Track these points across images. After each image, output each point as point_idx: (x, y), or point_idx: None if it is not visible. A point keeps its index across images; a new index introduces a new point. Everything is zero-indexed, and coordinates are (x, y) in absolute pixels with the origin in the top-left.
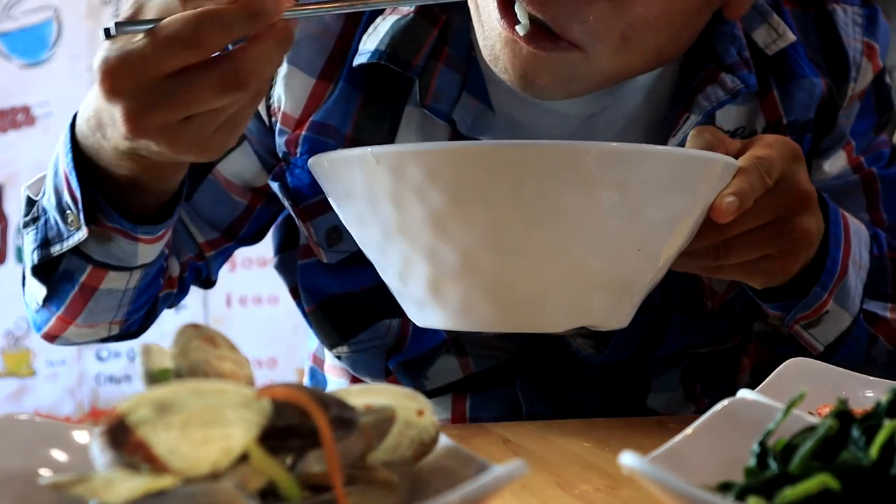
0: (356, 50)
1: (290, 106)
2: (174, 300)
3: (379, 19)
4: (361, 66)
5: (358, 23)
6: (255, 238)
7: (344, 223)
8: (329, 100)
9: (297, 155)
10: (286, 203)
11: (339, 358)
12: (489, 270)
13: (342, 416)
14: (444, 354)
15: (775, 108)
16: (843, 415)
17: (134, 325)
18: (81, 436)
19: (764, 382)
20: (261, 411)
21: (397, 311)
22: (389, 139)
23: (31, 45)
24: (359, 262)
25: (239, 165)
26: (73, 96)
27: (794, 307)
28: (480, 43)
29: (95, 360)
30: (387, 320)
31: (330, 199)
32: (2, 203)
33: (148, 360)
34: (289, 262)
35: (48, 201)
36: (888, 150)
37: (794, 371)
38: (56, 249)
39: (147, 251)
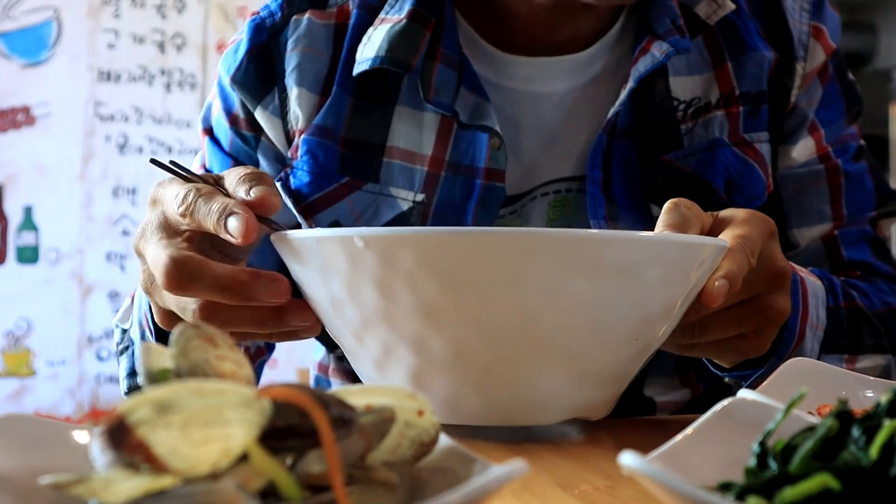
0: (346, 58)
1: (303, 123)
2: (266, 359)
3: (371, 30)
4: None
5: (343, 39)
6: None
7: (310, 302)
8: (325, 106)
9: (298, 157)
10: (289, 202)
11: (341, 359)
12: (481, 363)
13: (342, 416)
14: None
15: (729, 81)
16: (843, 415)
17: None
18: (81, 436)
19: (764, 382)
20: (261, 411)
21: None
22: (383, 137)
23: (31, 45)
24: None
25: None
26: (73, 96)
27: (751, 377)
28: None
29: (95, 360)
30: None
31: (296, 277)
32: (2, 203)
33: (148, 360)
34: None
35: (134, 333)
36: (855, 145)
37: (794, 371)
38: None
39: None
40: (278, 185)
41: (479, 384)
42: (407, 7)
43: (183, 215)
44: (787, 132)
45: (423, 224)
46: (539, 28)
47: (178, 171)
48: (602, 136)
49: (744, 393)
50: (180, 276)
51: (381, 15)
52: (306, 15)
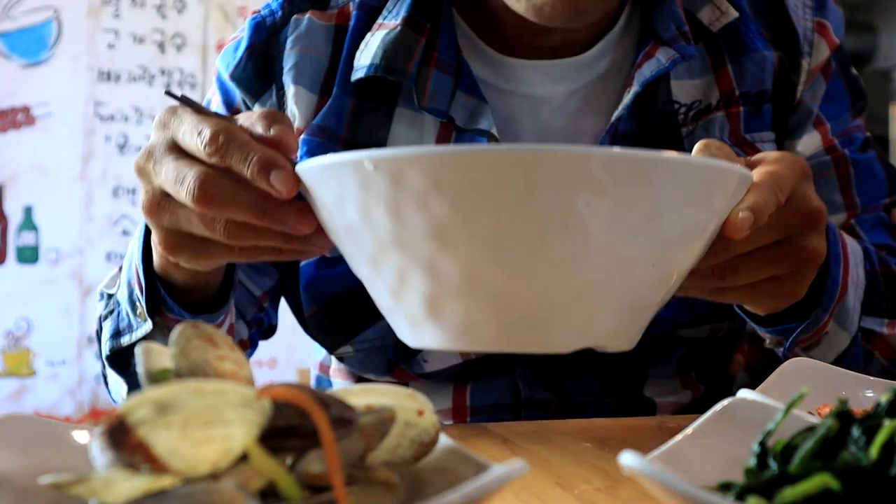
0: (346, 60)
1: (301, 122)
2: (249, 353)
3: (368, 35)
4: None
5: (343, 40)
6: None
7: (329, 234)
8: (325, 106)
9: (298, 158)
10: None
11: (341, 360)
12: (494, 285)
13: (342, 416)
14: None
15: (729, 82)
16: (843, 415)
17: None
18: (81, 436)
19: (764, 382)
20: (261, 411)
21: None
22: (383, 139)
23: (31, 45)
24: None
25: None
26: (72, 96)
27: (795, 331)
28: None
29: (95, 360)
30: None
31: (315, 208)
32: (2, 203)
33: (148, 360)
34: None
35: (121, 295)
36: (861, 136)
37: (794, 371)
38: (125, 340)
39: None
40: None
41: (492, 308)
42: (402, 13)
43: (211, 154)
44: (791, 128)
45: None
46: (531, 34)
47: (193, 106)
48: (604, 139)
49: (744, 393)
50: (216, 192)
51: (380, 20)
52: (307, 15)
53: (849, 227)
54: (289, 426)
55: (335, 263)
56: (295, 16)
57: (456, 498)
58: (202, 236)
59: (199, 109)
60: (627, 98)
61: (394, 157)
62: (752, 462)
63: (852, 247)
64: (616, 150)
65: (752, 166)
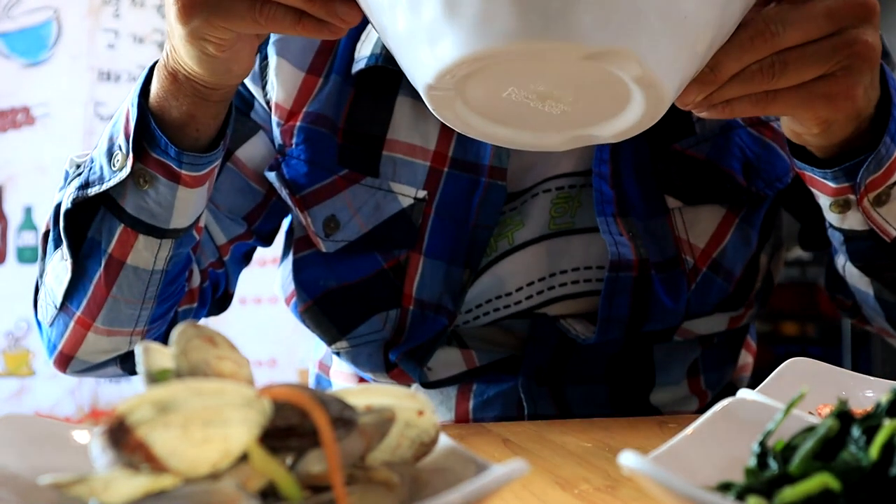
0: (346, 47)
1: (282, 97)
2: (194, 315)
3: (370, 26)
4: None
5: None
6: (268, 237)
7: None
8: (322, 93)
9: (293, 146)
10: (283, 192)
11: (338, 354)
12: None
13: (342, 416)
14: (446, 347)
15: None
16: (843, 415)
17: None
18: (81, 436)
19: (764, 382)
20: (261, 411)
21: (395, 301)
22: (383, 128)
23: (31, 45)
24: (356, 251)
25: (256, 151)
26: (72, 96)
27: (864, 164)
28: None
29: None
30: (384, 312)
31: None
32: (2, 203)
33: (148, 360)
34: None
35: (97, 152)
36: None
37: (794, 371)
38: (94, 190)
39: (184, 203)
40: (272, 175)
41: None
42: None
43: None
44: None
45: (424, 222)
46: None
47: None
48: None
49: (744, 393)
50: None
51: None
52: None
53: None
54: (289, 426)
55: (330, 258)
56: None
57: (456, 498)
58: None
59: None
60: None
61: None
62: (752, 462)
63: None
64: None
65: None
